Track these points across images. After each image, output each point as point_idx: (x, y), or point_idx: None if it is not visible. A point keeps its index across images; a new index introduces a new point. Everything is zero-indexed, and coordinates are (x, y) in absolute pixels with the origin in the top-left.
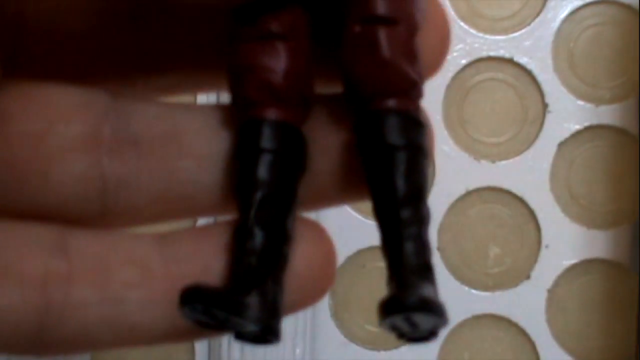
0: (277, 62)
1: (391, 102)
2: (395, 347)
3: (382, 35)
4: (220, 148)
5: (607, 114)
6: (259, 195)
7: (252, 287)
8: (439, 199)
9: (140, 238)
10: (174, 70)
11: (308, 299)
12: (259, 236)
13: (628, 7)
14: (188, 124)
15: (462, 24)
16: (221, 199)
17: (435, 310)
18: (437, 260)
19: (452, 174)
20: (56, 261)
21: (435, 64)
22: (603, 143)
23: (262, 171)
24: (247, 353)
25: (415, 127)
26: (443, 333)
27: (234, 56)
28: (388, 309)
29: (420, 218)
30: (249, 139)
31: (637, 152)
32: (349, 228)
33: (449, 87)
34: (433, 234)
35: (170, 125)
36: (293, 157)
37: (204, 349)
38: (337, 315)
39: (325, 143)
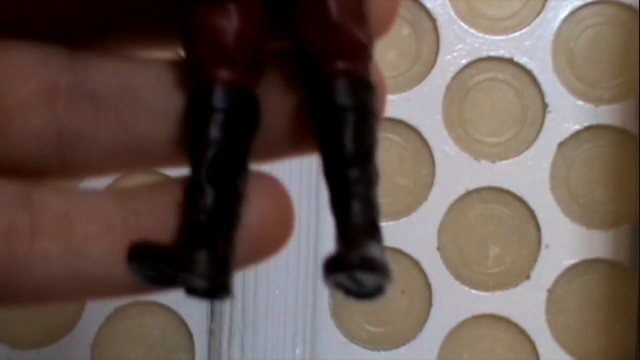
0: (229, 23)
1: (340, 64)
2: (395, 347)
3: None
4: (175, 104)
5: (607, 114)
6: (210, 153)
7: (201, 244)
8: (439, 199)
9: (101, 194)
10: (128, 30)
11: (263, 253)
12: (209, 194)
13: (628, 7)
14: (144, 79)
15: (462, 24)
16: (175, 153)
17: (376, 268)
18: (437, 260)
19: (452, 174)
20: (20, 215)
21: (386, 24)
22: (603, 143)
23: (214, 130)
24: (247, 353)
25: (364, 89)
26: (443, 333)
27: (187, 17)
28: (331, 266)
29: (368, 178)
30: (200, 99)
31: (637, 152)
32: None
33: (449, 87)
34: (433, 234)
35: (126, 81)
36: (245, 117)
37: (204, 348)
38: (337, 315)
39: (277, 101)
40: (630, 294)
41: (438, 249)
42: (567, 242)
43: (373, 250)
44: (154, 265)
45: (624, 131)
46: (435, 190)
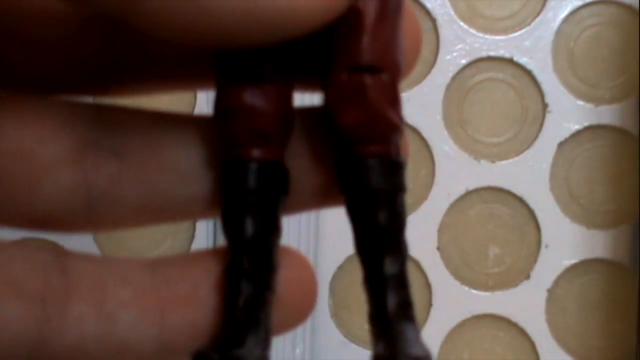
0: (266, 105)
1: (375, 147)
2: None
3: (368, 83)
4: (198, 161)
5: (607, 114)
6: (247, 235)
7: (249, 334)
8: (439, 199)
9: (134, 262)
10: (155, 75)
11: (291, 324)
12: (250, 282)
13: (628, 7)
14: (168, 137)
15: (462, 24)
16: (199, 209)
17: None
18: (437, 260)
19: (452, 174)
20: (55, 279)
21: (410, 64)
22: (603, 143)
23: (249, 213)
24: None
25: (396, 170)
26: (443, 333)
27: (222, 96)
28: None
29: (401, 257)
30: (234, 180)
31: (637, 152)
32: (349, 228)
33: (448, 87)
34: (433, 234)
35: (151, 138)
36: (276, 189)
37: None
38: (337, 315)
39: (303, 162)
40: (630, 294)
41: (438, 248)
42: (567, 242)
43: (411, 337)
44: None
45: (624, 131)
46: (435, 190)
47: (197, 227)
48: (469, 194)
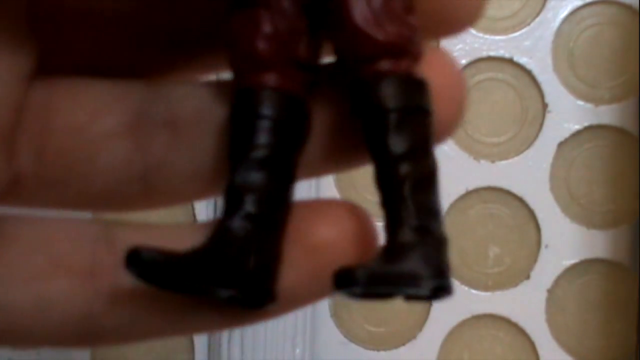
0: (257, 28)
1: (383, 65)
2: (395, 347)
3: (350, 3)
4: None
5: (606, 114)
6: (256, 155)
7: (223, 251)
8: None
9: (181, 227)
10: (208, 50)
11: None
12: (250, 199)
13: (628, 7)
14: (217, 101)
15: None
16: None
17: (390, 283)
18: None
19: (452, 174)
20: (102, 253)
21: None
22: (603, 143)
23: (260, 136)
24: (247, 353)
25: (409, 87)
26: (443, 333)
27: (225, 30)
28: (338, 282)
29: (420, 177)
30: (243, 106)
31: (637, 152)
32: None
33: None
34: None
35: (200, 103)
36: (292, 123)
37: (204, 348)
38: (337, 315)
39: (325, 114)
40: (630, 294)
41: None
42: (567, 242)
43: (406, 261)
44: (161, 275)
45: (624, 131)
46: None
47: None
48: (468, 194)
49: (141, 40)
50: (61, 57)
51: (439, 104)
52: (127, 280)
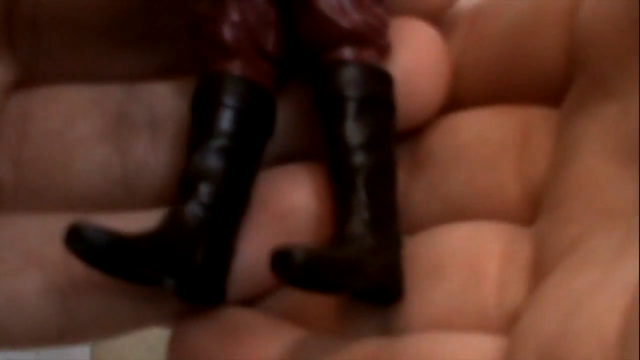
0: (223, 15)
1: (346, 52)
2: None
3: None
4: None
5: None
6: (210, 144)
7: (177, 251)
8: None
9: (153, 214)
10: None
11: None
12: (203, 186)
13: None
14: None
15: None
16: None
17: (330, 265)
18: None
19: None
20: None
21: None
22: None
23: (221, 123)
24: None
25: (370, 77)
26: None
27: (188, 16)
28: (275, 263)
29: (374, 170)
30: (203, 92)
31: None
32: None
33: None
34: None
35: (181, 102)
36: (255, 113)
37: None
38: None
39: (289, 110)
40: None
41: None
42: None
43: (350, 249)
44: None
45: None
46: None
47: None
48: None
49: (117, 43)
50: (39, 65)
51: (420, 78)
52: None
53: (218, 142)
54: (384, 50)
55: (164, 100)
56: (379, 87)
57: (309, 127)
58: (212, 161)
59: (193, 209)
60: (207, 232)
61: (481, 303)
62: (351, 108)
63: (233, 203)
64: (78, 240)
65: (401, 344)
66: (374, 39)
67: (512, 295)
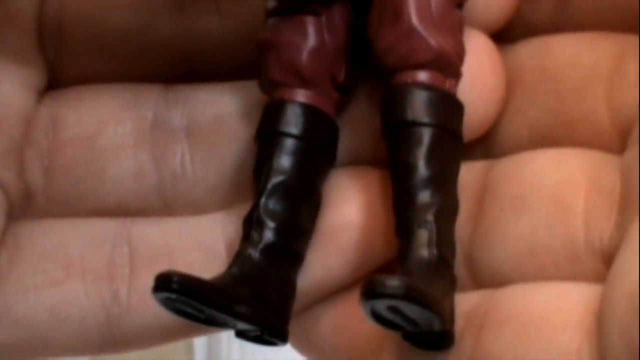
0: (303, 40)
1: (415, 75)
2: None
3: (409, 1)
4: None
5: None
6: (273, 182)
7: (248, 283)
8: None
9: (204, 220)
10: (223, 58)
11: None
12: (266, 228)
13: None
14: (235, 106)
15: None
16: None
17: (422, 300)
18: None
19: None
20: (119, 253)
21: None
22: None
23: (280, 157)
24: (247, 353)
25: (449, 106)
26: None
27: (262, 30)
28: (368, 292)
29: (440, 206)
30: (270, 122)
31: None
32: None
33: None
34: None
35: (218, 110)
36: (319, 145)
37: (204, 348)
38: None
39: (359, 128)
40: None
41: None
42: None
43: (430, 287)
44: (188, 301)
45: None
46: None
47: None
48: None
49: (144, 43)
50: (65, 66)
51: (478, 91)
52: (143, 279)
53: (281, 180)
54: (458, 80)
55: (202, 106)
56: (455, 118)
57: (363, 130)
58: (276, 201)
59: (260, 253)
60: (274, 277)
61: (569, 239)
62: (426, 137)
63: (298, 240)
64: (166, 289)
65: (495, 295)
66: (457, 67)
67: (600, 229)
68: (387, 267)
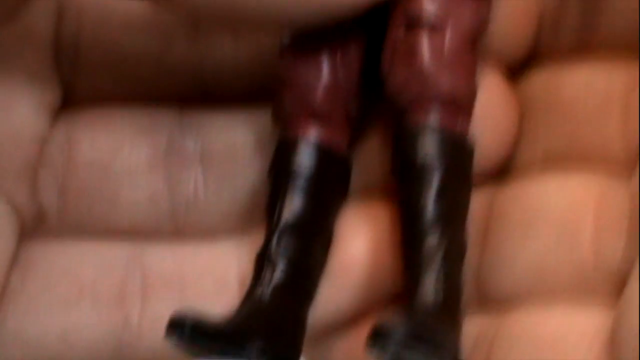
0: (318, 76)
1: (427, 116)
2: None
3: (424, 40)
4: None
5: None
6: (284, 221)
7: (259, 322)
8: None
9: (217, 247)
10: (238, 82)
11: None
12: (277, 268)
13: None
14: (249, 133)
15: None
16: None
17: (424, 349)
18: None
19: None
20: (132, 277)
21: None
22: None
23: (292, 196)
24: None
25: (460, 148)
26: None
27: (278, 67)
28: (374, 338)
29: (448, 250)
30: (283, 160)
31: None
32: None
33: None
34: None
35: (233, 136)
36: (331, 183)
37: None
38: None
39: (370, 163)
40: None
41: None
42: None
43: (435, 332)
44: (203, 344)
45: None
46: None
47: None
48: None
49: (159, 65)
50: (80, 87)
51: (489, 127)
52: (155, 305)
53: (293, 219)
54: (469, 122)
55: (217, 132)
56: (466, 160)
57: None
58: (287, 240)
59: (271, 293)
60: (286, 318)
61: (578, 263)
62: (435, 180)
63: (309, 279)
64: (177, 332)
65: (504, 318)
66: (469, 106)
67: (609, 254)
68: (399, 295)
